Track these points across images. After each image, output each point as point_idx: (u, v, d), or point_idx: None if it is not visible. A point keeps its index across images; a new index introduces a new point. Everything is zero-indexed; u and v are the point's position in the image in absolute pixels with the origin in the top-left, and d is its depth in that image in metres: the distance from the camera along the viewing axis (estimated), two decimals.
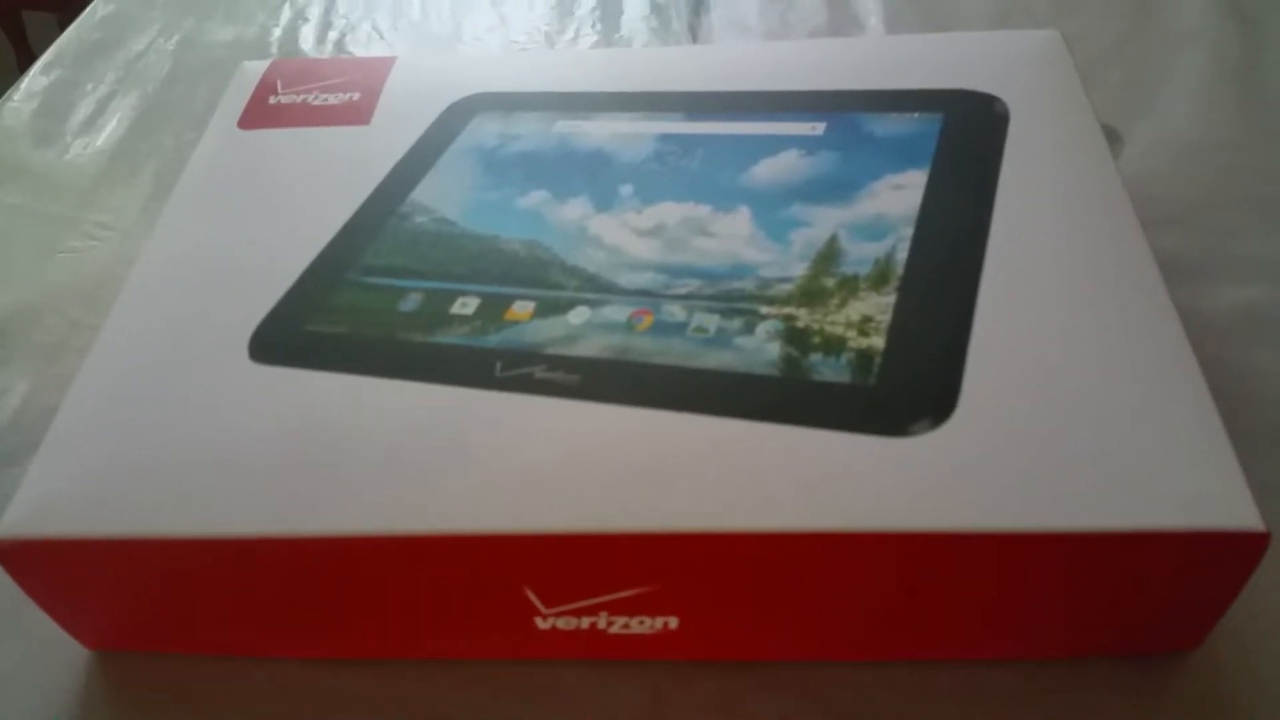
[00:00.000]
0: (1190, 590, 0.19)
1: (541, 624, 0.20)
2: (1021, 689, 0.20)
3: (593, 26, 0.40)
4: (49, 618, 0.21)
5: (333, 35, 0.42)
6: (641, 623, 0.20)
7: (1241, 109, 0.33)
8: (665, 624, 0.20)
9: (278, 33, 0.42)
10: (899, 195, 0.23)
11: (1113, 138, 0.33)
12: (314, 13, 0.43)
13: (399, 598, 0.20)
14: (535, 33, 0.41)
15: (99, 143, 0.38)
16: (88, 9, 0.46)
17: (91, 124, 0.39)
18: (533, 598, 0.20)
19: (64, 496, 0.20)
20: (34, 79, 0.42)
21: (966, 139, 0.24)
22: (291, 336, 0.22)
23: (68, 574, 0.20)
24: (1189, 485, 0.18)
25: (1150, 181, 0.31)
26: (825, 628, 0.20)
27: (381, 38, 0.41)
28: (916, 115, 0.25)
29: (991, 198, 0.23)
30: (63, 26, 0.46)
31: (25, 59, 0.85)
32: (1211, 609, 0.19)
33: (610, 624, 0.20)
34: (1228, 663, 0.20)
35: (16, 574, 0.20)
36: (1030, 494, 0.18)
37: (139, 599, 0.21)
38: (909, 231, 0.23)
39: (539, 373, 0.21)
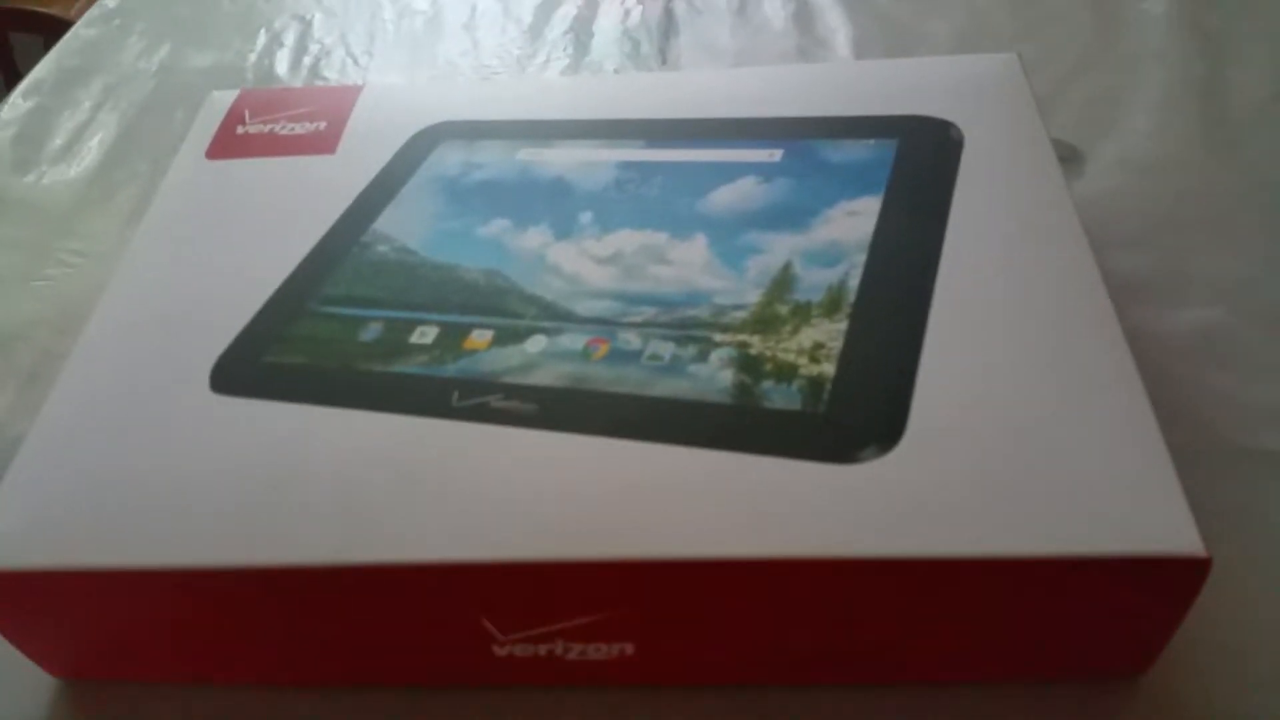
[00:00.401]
0: (1136, 614, 0.19)
1: (499, 651, 0.21)
2: (972, 712, 0.20)
3: (564, 50, 0.41)
4: (13, 646, 0.22)
5: (307, 60, 0.42)
6: (598, 649, 0.20)
7: (1203, 128, 0.34)
8: (622, 650, 0.20)
9: (253, 58, 0.43)
10: (853, 222, 0.24)
11: (1074, 157, 0.33)
12: (289, 38, 0.44)
13: (357, 626, 0.20)
14: (507, 57, 0.41)
15: (76, 170, 0.38)
16: (68, 34, 0.46)
17: (69, 150, 0.39)
18: (489, 626, 0.20)
19: (27, 529, 0.20)
20: (12, 105, 0.42)
21: (921, 165, 0.25)
22: (252, 367, 0.23)
23: (32, 604, 0.21)
24: (1131, 511, 0.18)
25: (1111, 201, 0.31)
26: (779, 652, 0.20)
27: (356, 63, 0.42)
28: (872, 141, 0.26)
29: (944, 224, 0.23)
30: (48, 47, 0.47)
31: (11, 79, 0.85)
32: (1159, 632, 0.19)
33: (567, 650, 0.20)
34: (1179, 685, 0.20)
35: None
36: (974, 521, 0.18)
37: (102, 628, 0.21)
38: (861, 258, 0.23)
39: (495, 402, 0.21)
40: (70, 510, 0.20)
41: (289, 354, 0.23)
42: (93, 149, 0.39)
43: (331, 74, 0.41)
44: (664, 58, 0.40)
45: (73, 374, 0.23)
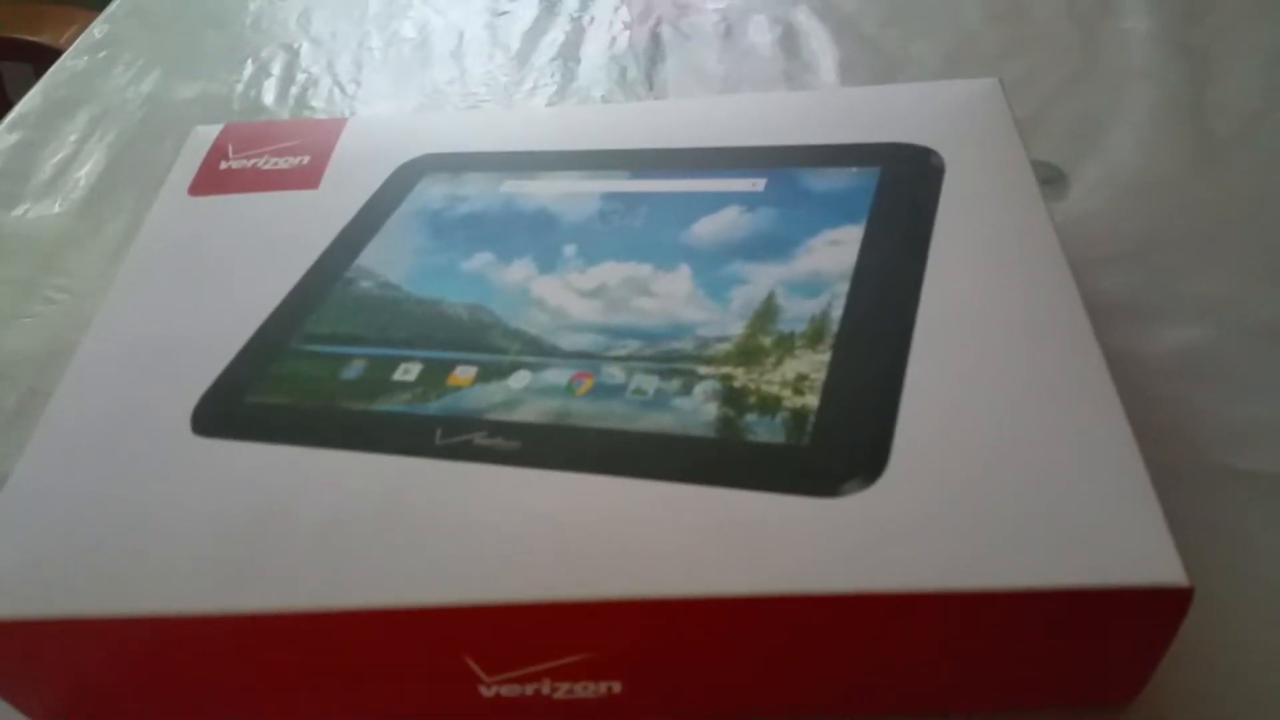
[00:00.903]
0: (1121, 643, 0.19)
1: (485, 691, 0.20)
2: None
3: (551, 76, 0.41)
4: None
5: (294, 90, 0.42)
6: (585, 688, 0.20)
7: (1188, 146, 0.34)
8: (609, 688, 0.20)
9: (240, 88, 0.43)
10: (835, 251, 0.24)
11: (1059, 178, 0.33)
12: (276, 68, 0.44)
13: (342, 668, 0.20)
14: (494, 84, 0.41)
15: (62, 204, 0.38)
16: (54, 66, 0.46)
17: (54, 184, 0.39)
18: (474, 666, 0.20)
19: (9, 576, 0.20)
20: None
21: (902, 193, 0.25)
22: (233, 408, 0.22)
23: (14, 652, 0.20)
24: (1112, 541, 0.18)
25: (1096, 221, 0.31)
26: (765, 687, 0.20)
27: (343, 92, 0.42)
28: (854, 170, 0.26)
29: (925, 252, 0.23)
30: (39, 76, 0.47)
31: (3, 110, 0.86)
32: (1145, 660, 0.19)
33: (554, 690, 0.20)
34: (1166, 711, 0.20)
35: None
36: (957, 554, 0.18)
37: (87, 675, 0.21)
38: (844, 288, 0.23)
39: (479, 439, 0.21)
40: (50, 559, 0.20)
41: (271, 394, 0.23)
42: (79, 182, 0.39)
43: (319, 103, 0.41)
44: (651, 83, 0.40)
45: (55, 416, 0.23)
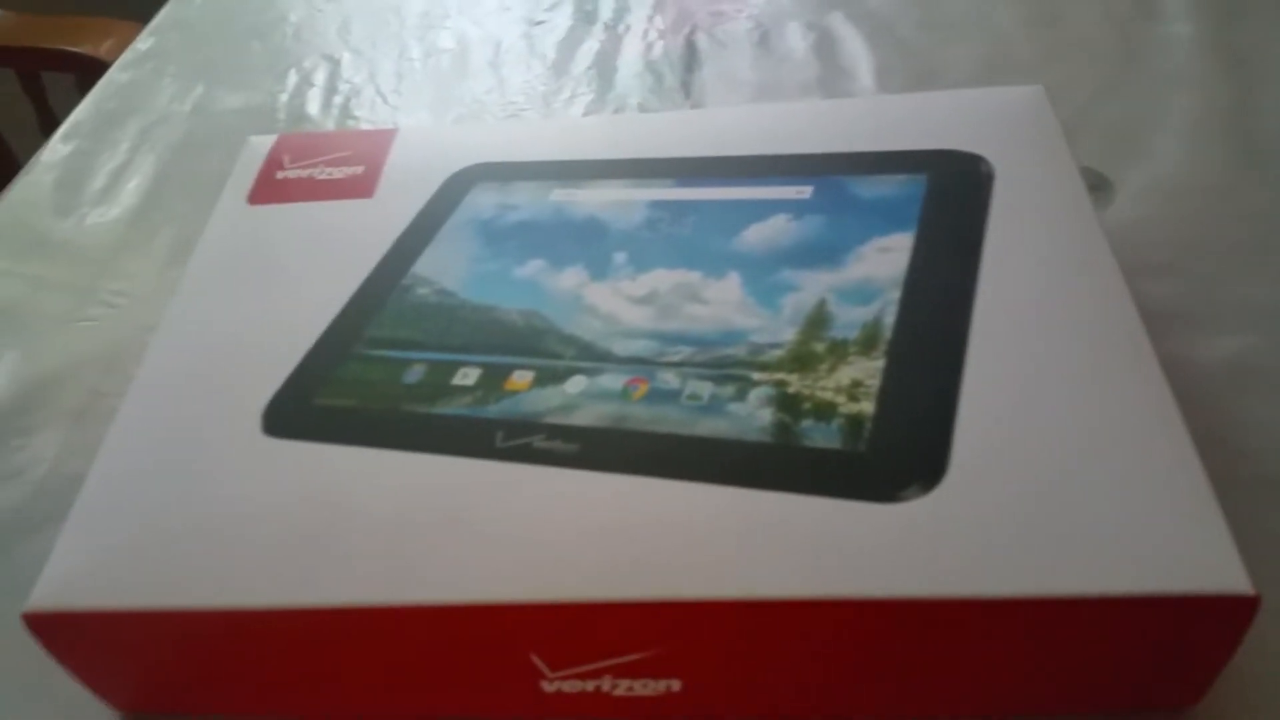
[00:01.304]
0: (1184, 650, 0.19)
1: (548, 687, 0.21)
2: None
3: (588, 85, 0.42)
4: (79, 681, 0.22)
5: (338, 100, 0.43)
6: (645, 685, 0.21)
7: (1232, 151, 0.34)
8: (668, 687, 0.21)
9: (284, 98, 0.44)
10: (886, 258, 0.24)
11: (1103, 185, 0.33)
12: (319, 78, 0.44)
13: (408, 663, 0.21)
14: (532, 93, 0.42)
15: (115, 211, 0.39)
16: (103, 79, 0.48)
17: (108, 192, 0.40)
18: (538, 662, 0.20)
19: (90, 570, 0.21)
20: (53, 149, 0.43)
21: (952, 200, 0.25)
22: (302, 410, 0.23)
23: (95, 642, 0.21)
24: (1176, 549, 0.18)
25: (1141, 228, 0.31)
26: (822, 688, 0.21)
27: (385, 101, 0.43)
28: (903, 177, 0.26)
29: (977, 258, 0.24)
30: (80, 88, 0.48)
31: (46, 119, 0.87)
32: (1209, 666, 0.20)
33: (615, 687, 0.21)
34: (1229, 718, 0.20)
35: (47, 643, 0.21)
36: (1017, 560, 0.18)
37: (163, 664, 0.22)
38: (896, 294, 0.23)
39: (538, 442, 0.22)
40: (131, 552, 0.21)
41: (338, 396, 0.23)
42: (131, 191, 0.40)
43: (362, 112, 0.42)
44: (687, 91, 0.40)
45: (128, 417, 0.24)
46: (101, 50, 0.78)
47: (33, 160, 0.43)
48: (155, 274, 0.36)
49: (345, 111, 0.42)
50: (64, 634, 0.21)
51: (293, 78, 0.45)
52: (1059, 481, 0.19)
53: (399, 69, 0.45)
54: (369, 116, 0.42)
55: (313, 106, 0.43)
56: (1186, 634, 0.18)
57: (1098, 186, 0.33)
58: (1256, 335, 0.28)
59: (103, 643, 0.21)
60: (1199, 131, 0.35)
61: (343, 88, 0.44)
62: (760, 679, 0.20)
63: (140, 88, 0.46)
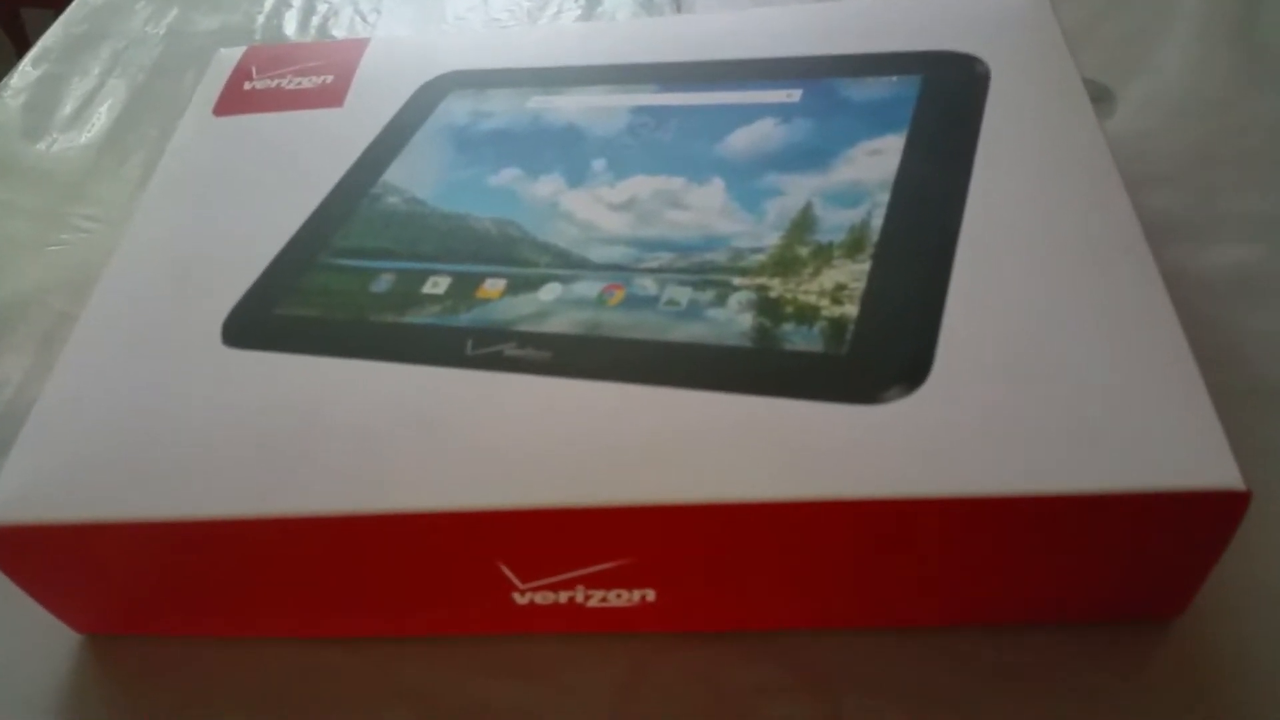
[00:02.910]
0: (1171, 554, 0.18)
1: (519, 599, 0.20)
2: (996, 656, 0.20)
3: (575, 1, 0.40)
4: (38, 604, 0.22)
5: (316, 20, 0.42)
6: (619, 596, 0.20)
7: (1238, 64, 0.32)
8: (643, 597, 0.20)
9: (261, 19, 0.42)
10: (875, 161, 0.23)
11: (1105, 96, 0.32)
12: None
13: (375, 575, 0.20)
14: (517, 10, 0.40)
15: (86, 135, 0.38)
16: (75, 2, 0.46)
17: (78, 117, 0.39)
18: (508, 573, 0.20)
19: (45, 483, 0.20)
20: (22, 73, 0.42)
21: (945, 101, 0.24)
22: (264, 320, 0.22)
23: (52, 559, 0.21)
24: (1167, 446, 0.17)
25: (1143, 139, 0.30)
26: (802, 596, 0.20)
27: (365, 21, 0.41)
28: (894, 78, 0.25)
29: (970, 161, 0.23)
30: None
31: (24, 53, 0.85)
32: (1193, 574, 0.19)
33: (588, 598, 0.20)
34: (1213, 629, 0.20)
35: (2, 562, 0.21)
36: (1003, 459, 0.18)
37: (123, 582, 0.21)
38: (885, 197, 0.22)
39: (509, 350, 0.21)
40: (88, 465, 0.20)
41: (301, 306, 0.22)
42: (102, 115, 0.39)
43: (340, 33, 0.41)
44: (679, 4, 0.39)
45: (85, 330, 0.23)
46: None
47: (0, 84, 0.41)
48: (126, 199, 0.35)
49: (323, 32, 0.41)
50: (19, 551, 0.20)
51: None
52: (1046, 382, 0.18)
53: None
54: (347, 36, 0.41)
55: (289, 27, 0.41)
56: (1175, 534, 0.18)
57: (1099, 98, 0.32)
58: (1259, 246, 0.27)
59: (60, 560, 0.20)
60: (1205, 42, 0.33)
61: (321, 8, 0.42)
62: (737, 588, 0.20)
63: (113, 10, 0.45)
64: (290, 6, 0.43)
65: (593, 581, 0.20)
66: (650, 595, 0.20)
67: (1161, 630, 0.20)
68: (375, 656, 0.22)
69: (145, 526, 0.19)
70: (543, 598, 0.20)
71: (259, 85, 0.28)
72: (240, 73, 0.29)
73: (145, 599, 0.21)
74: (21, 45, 0.86)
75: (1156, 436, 0.17)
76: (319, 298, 0.23)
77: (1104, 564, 0.19)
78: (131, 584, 0.21)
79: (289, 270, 0.23)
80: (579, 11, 0.39)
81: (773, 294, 0.21)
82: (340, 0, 0.42)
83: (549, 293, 0.22)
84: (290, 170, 0.26)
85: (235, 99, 0.28)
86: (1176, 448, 0.17)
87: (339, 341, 0.21)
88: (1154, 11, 0.35)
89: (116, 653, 0.22)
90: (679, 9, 0.39)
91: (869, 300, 0.20)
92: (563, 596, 0.20)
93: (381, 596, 0.21)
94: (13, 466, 0.21)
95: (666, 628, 0.21)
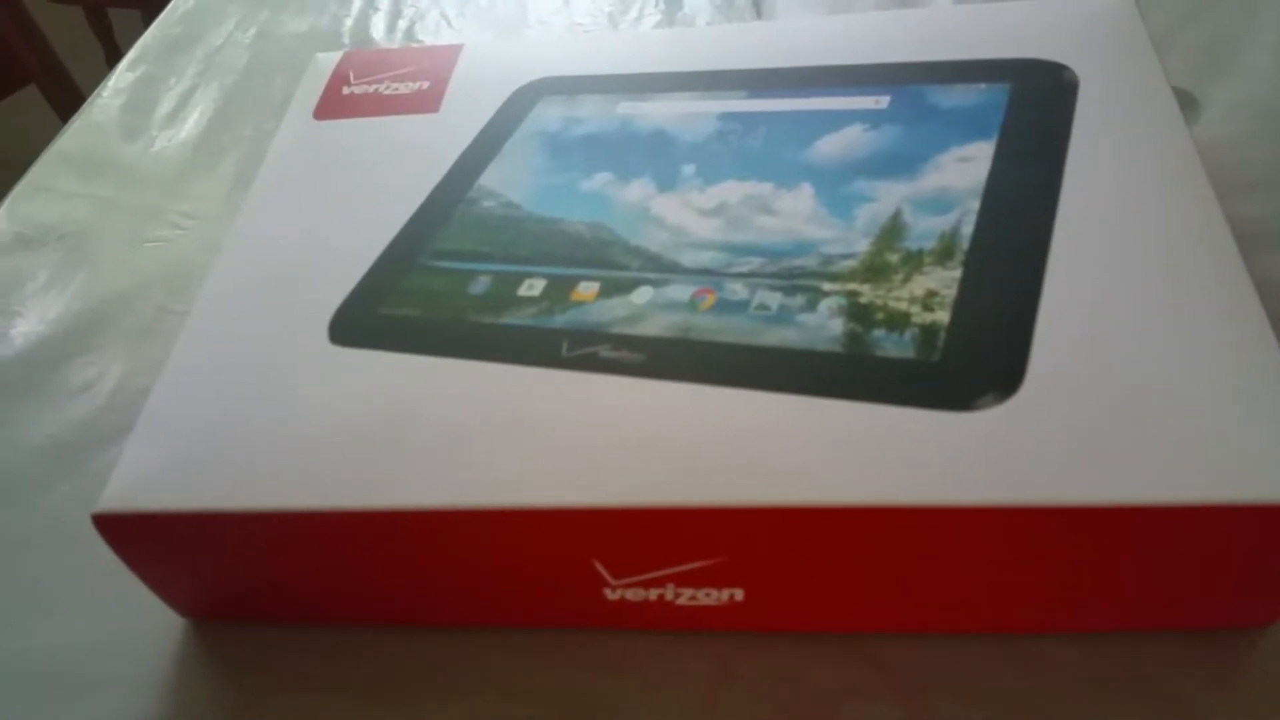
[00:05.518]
0: (1262, 564, 0.18)
1: (610, 595, 0.21)
2: (1084, 663, 0.20)
3: (656, 6, 0.41)
4: (146, 588, 0.23)
5: (402, 24, 0.43)
6: (708, 594, 0.21)
7: None
8: (731, 596, 0.21)
9: (349, 22, 0.43)
10: (965, 168, 0.23)
11: (1189, 103, 0.32)
12: (384, 2, 0.44)
13: (472, 568, 0.21)
14: (599, 14, 0.41)
15: (182, 135, 0.39)
16: (169, 6, 0.48)
17: (175, 117, 0.41)
18: (601, 569, 0.20)
19: (158, 473, 0.21)
20: (120, 75, 0.43)
21: (1035, 109, 0.24)
22: (368, 320, 0.23)
23: (162, 546, 0.22)
24: (1259, 459, 0.17)
25: (1228, 147, 0.30)
26: (890, 600, 0.20)
27: (450, 25, 0.42)
28: (983, 86, 0.25)
29: (1060, 168, 0.23)
30: (147, 23, 0.48)
31: (112, 55, 0.88)
32: None
33: (677, 595, 0.21)
34: None
35: (115, 545, 0.22)
36: (1095, 468, 0.18)
37: (229, 570, 0.22)
38: (975, 204, 0.22)
39: (604, 352, 0.21)
40: (198, 456, 0.21)
41: (403, 306, 0.23)
42: (196, 115, 0.40)
43: (426, 36, 0.42)
44: (759, 9, 0.39)
45: (194, 329, 0.24)
46: None
47: (100, 86, 0.43)
48: (221, 196, 0.36)
49: (409, 35, 0.42)
50: (132, 536, 0.21)
51: (357, 2, 0.45)
52: (1138, 391, 0.18)
53: None
54: (434, 40, 0.42)
55: (377, 30, 0.43)
56: (1265, 547, 0.18)
57: (1184, 104, 0.31)
58: None
59: (170, 547, 0.21)
60: None
61: (407, 11, 0.43)
62: (825, 589, 0.20)
63: (205, 14, 0.46)
64: (377, 10, 0.44)
65: (683, 580, 0.20)
66: (738, 595, 0.20)
67: (1251, 639, 0.20)
68: (467, 646, 0.22)
69: (251, 517, 0.20)
70: (634, 594, 0.21)
71: (357, 90, 0.29)
72: (339, 77, 0.30)
73: (247, 587, 0.22)
74: (109, 45, 0.89)
75: (1250, 448, 0.17)
76: (420, 298, 0.23)
77: (1194, 573, 0.19)
78: (235, 572, 0.22)
79: (391, 271, 0.24)
80: (659, 16, 0.40)
81: (863, 300, 0.21)
82: (426, 4, 0.44)
83: (641, 296, 0.22)
84: (389, 174, 0.27)
85: (335, 103, 0.29)
86: (1268, 461, 0.17)
87: (440, 341, 0.22)
88: (1236, 17, 0.34)
89: (217, 637, 0.23)
90: (759, 14, 0.39)
91: (961, 307, 0.20)
92: (653, 594, 0.21)
93: (476, 588, 0.21)
94: (128, 457, 0.22)
95: (753, 627, 0.21)
